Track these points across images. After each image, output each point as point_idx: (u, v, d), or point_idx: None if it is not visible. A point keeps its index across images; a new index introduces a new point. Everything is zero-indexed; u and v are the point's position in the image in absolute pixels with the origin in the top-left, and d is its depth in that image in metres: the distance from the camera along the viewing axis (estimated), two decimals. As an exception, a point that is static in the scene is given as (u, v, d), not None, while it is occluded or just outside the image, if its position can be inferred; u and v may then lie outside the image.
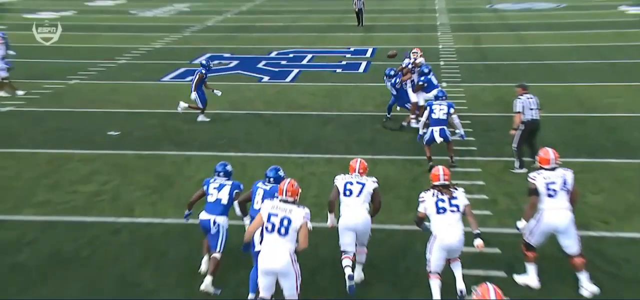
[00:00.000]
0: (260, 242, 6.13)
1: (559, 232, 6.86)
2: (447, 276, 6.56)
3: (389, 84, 13.23)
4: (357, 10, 28.29)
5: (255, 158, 11.31)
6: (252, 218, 6.70)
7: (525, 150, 10.48)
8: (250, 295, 6.54)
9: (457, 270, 6.59)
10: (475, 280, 6.25)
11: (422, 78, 12.71)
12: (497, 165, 10.80)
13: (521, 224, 7.17)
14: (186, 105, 13.93)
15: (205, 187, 7.21)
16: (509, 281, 6.97)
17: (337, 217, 6.97)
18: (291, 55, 21.93)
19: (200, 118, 13.93)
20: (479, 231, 6.42)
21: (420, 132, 10.97)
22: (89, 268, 7.66)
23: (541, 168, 6.97)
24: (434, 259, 6.53)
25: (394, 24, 28.84)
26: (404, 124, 13.00)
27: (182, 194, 9.47)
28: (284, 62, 20.67)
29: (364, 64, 20.22)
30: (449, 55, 20.75)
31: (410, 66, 13.10)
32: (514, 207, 8.91)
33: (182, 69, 19.61)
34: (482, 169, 10.67)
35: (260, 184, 6.98)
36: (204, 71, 13.88)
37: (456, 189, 6.59)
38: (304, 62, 20.82)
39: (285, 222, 5.94)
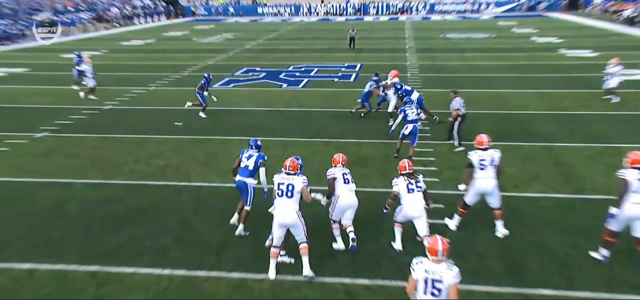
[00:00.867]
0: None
1: (487, 194, 6.83)
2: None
3: (374, 85, 13.13)
4: (350, 37, 28.00)
5: (275, 141, 11.24)
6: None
7: (451, 135, 10.50)
8: (268, 242, 6.47)
9: (419, 225, 6.43)
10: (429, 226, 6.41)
11: (400, 92, 12.25)
12: (444, 147, 10.71)
13: (462, 186, 7.14)
14: (191, 103, 13.67)
15: (240, 156, 7.02)
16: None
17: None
18: (303, 68, 21.72)
19: (201, 114, 13.37)
20: (430, 202, 6.57)
21: (392, 129, 10.86)
22: (160, 216, 7.71)
23: (477, 148, 6.89)
24: (400, 219, 6.56)
25: (376, 47, 28.48)
26: (353, 111, 13.25)
27: (224, 166, 9.45)
28: (298, 74, 20.48)
29: (354, 75, 20.02)
30: (413, 70, 20.52)
31: (381, 86, 13.03)
32: (454, 176, 8.84)
33: (227, 79, 19.46)
34: (433, 149, 10.59)
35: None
36: (203, 82, 13.42)
37: (419, 176, 6.53)
38: (312, 73, 20.60)
39: (290, 188, 5.92)
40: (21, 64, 23.73)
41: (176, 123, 12.96)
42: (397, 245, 6.56)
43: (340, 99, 15.54)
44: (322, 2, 57.89)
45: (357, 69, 21.46)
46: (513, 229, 6.96)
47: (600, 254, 6.21)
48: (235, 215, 7.28)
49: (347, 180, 6.58)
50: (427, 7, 54.94)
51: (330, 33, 37.62)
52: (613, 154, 9.89)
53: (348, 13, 56.08)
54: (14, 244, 6.96)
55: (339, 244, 6.62)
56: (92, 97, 15.76)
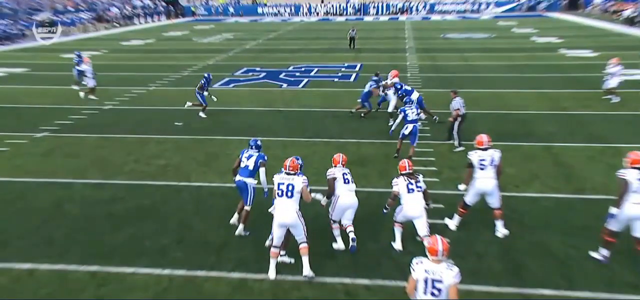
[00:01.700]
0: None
1: (487, 194, 6.82)
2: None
3: (374, 85, 13.13)
4: (350, 37, 27.98)
5: (275, 141, 11.23)
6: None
7: (451, 135, 10.46)
8: (268, 242, 6.48)
9: (419, 225, 6.43)
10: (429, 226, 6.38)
11: (400, 92, 12.25)
12: (444, 147, 10.70)
13: (462, 186, 7.12)
14: (191, 103, 13.66)
15: (240, 156, 7.00)
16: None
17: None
18: (303, 68, 21.70)
19: (201, 114, 13.36)
20: (430, 202, 6.55)
21: (392, 129, 10.83)
22: (160, 216, 7.71)
23: (477, 148, 6.88)
24: (400, 218, 6.54)
25: (376, 47, 28.47)
26: (353, 111, 13.24)
27: (224, 166, 9.45)
28: (297, 74, 20.46)
29: (354, 75, 20.00)
30: (413, 70, 20.50)
31: (381, 86, 13.05)
32: (454, 176, 8.84)
33: (227, 79, 19.44)
34: (433, 149, 10.57)
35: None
36: (203, 82, 13.40)
37: (419, 176, 6.52)
38: (312, 73, 20.59)
39: (290, 188, 5.91)
40: (21, 64, 23.73)
41: (176, 123, 12.94)
42: (397, 245, 6.56)
43: (340, 99, 15.52)
44: (322, 2, 57.90)
45: (357, 69, 21.44)
46: (513, 229, 6.96)
47: (600, 254, 6.21)
48: (235, 215, 7.27)
49: (347, 180, 6.56)
50: (427, 7, 54.95)
51: (330, 33, 37.59)
52: (613, 154, 9.89)
53: (348, 13, 56.10)
54: (14, 244, 6.96)
55: (339, 244, 6.61)
56: (92, 97, 15.75)
